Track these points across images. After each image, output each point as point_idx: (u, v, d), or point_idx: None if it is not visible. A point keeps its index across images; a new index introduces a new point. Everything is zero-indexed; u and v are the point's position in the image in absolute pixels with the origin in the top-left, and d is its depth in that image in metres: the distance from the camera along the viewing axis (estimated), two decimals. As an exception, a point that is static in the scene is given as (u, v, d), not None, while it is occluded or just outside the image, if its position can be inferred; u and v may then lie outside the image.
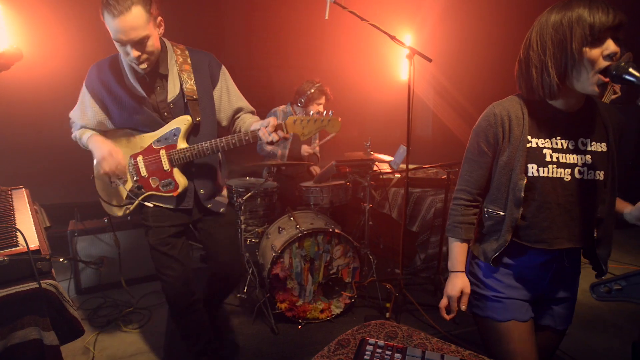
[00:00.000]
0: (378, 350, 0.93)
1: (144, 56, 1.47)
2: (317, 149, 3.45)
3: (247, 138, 1.57)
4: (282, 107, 3.16)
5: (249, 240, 2.81)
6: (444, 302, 1.25)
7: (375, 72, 4.77)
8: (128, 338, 2.32)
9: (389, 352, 0.92)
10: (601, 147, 1.10)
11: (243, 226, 2.61)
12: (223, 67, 1.76)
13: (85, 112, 1.69)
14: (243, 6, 4.37)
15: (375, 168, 2.84)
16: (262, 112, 3.11)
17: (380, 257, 3.25)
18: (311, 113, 2.75)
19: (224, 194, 1.90)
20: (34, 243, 1.34)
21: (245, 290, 2.69)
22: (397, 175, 3.19)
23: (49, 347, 1.28)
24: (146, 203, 1.72)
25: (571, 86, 1.04)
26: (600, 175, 1.09)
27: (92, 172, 1.81)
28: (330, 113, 1.53)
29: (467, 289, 1.22)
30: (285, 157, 3.09)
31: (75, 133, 1.75)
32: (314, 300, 2.47)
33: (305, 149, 3.18)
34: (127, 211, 1.76)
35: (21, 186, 2.19)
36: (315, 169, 3.35)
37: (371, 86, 4.79)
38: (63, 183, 3.63)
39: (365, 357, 0.90)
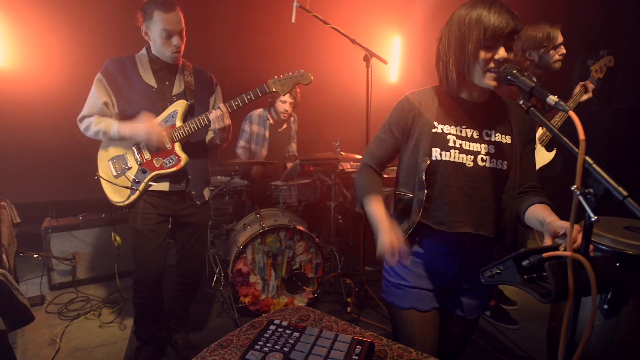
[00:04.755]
0: (279, 329, 1.01)
1: (181, 46, 1.83)
2: (295, 147, 3.54)
3: (237, 104, 1.84)
4: (258, 111, 3.25)
5: (216, 237, 2.90)
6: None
7: (365, 73, 4.85)
8: (95, 331, 2.40)
9: (289, 331, 1.00)
10: (505, 139, 1.18)
11: (210, 222, 2.69)
12: (219, 86, 2.08)
13: (97, 100, 1.84)
14: (232, 10, 4.46)
15: (341, 167, 2.93)
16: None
17: (349, 254, 3.34)
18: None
19: (206, 190, 2.10)
20: (-15, 235, 1.42)
21: (212, 286, 2.77)
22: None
23: (-5, 331, 1.36)
24: (151, 183, 1.88)
25: (471, 80, 1.12)
26: (504, 165, 1.16)
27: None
28: (301, 71, 1.86)
29: (399, 233, 1.11)
30: (263, 157, 3.20)
31: (99, 127, 1.82)
32: (277, 295, 2.55)
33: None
34: (129, 200, 1.88)
35: (-9, 183, 2.28)
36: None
37: (362, 87, 4.87)
38: (45, 182, 3.71)
39: (266, 335, 0.98)
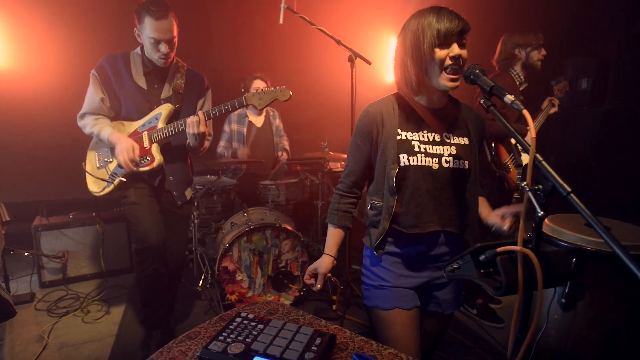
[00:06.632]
0: (245, 321, 1.04)
1: (170, 53, 1.89)
2: (286, 144, 3.57)
3: (214, 113, 1.89)
4: (238, 111, 3.29)
5: (206, 236, 2.93)
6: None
7: (361, 74, 4.87)
8: (83, 327, 2.43)
9: (254, 323, 1.03)
10: (463, 140, 1.23)
11: (197, 221, 2.72)
12: (210, 90, 2.14)
13: (94, 96, 1.95)
14: (229, 11, 4.50)
15: (328, 167, 2.95)
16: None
17: (339, 253, 3.36)
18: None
19: (188, 191, 2.17)
20: (-34, 231, 1.45)
21: (200, 284, 2.80)
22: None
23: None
24: (123, 179, 1.99)
25: (429, 83, 1.16)
26: (466, 164, 1.21)
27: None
28: (282, 87, 1.87)
29: (322, 269, 1.31)
30: (246, 153, 3.22)
31: (93, 129, 1.96)
32: (263, 293, 2.57)
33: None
34: (104, 192, 2.03)
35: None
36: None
37: (358, 88, 4.89)
38: (37, 182, 3.74)
39: (231, 327, 1.01)
